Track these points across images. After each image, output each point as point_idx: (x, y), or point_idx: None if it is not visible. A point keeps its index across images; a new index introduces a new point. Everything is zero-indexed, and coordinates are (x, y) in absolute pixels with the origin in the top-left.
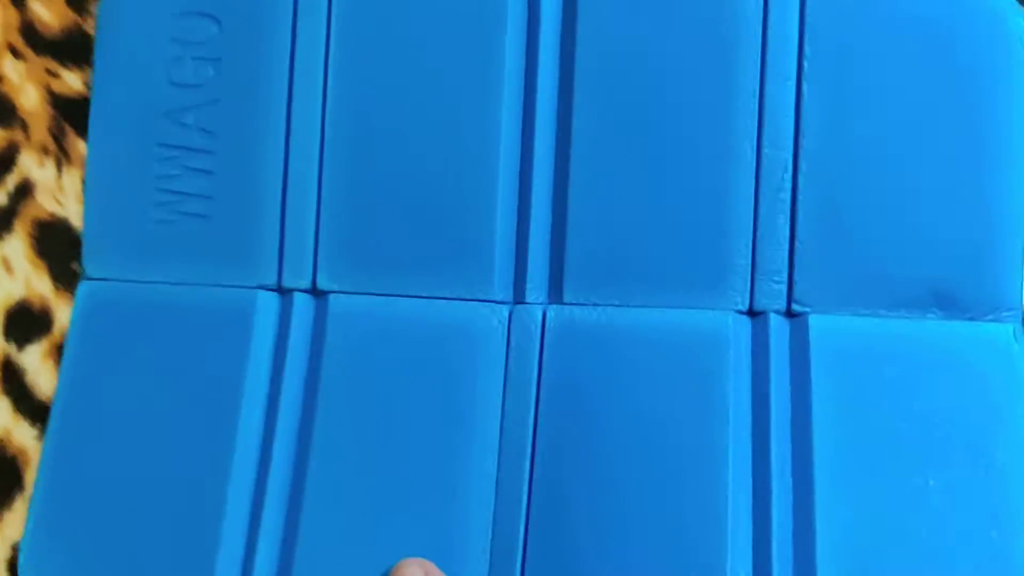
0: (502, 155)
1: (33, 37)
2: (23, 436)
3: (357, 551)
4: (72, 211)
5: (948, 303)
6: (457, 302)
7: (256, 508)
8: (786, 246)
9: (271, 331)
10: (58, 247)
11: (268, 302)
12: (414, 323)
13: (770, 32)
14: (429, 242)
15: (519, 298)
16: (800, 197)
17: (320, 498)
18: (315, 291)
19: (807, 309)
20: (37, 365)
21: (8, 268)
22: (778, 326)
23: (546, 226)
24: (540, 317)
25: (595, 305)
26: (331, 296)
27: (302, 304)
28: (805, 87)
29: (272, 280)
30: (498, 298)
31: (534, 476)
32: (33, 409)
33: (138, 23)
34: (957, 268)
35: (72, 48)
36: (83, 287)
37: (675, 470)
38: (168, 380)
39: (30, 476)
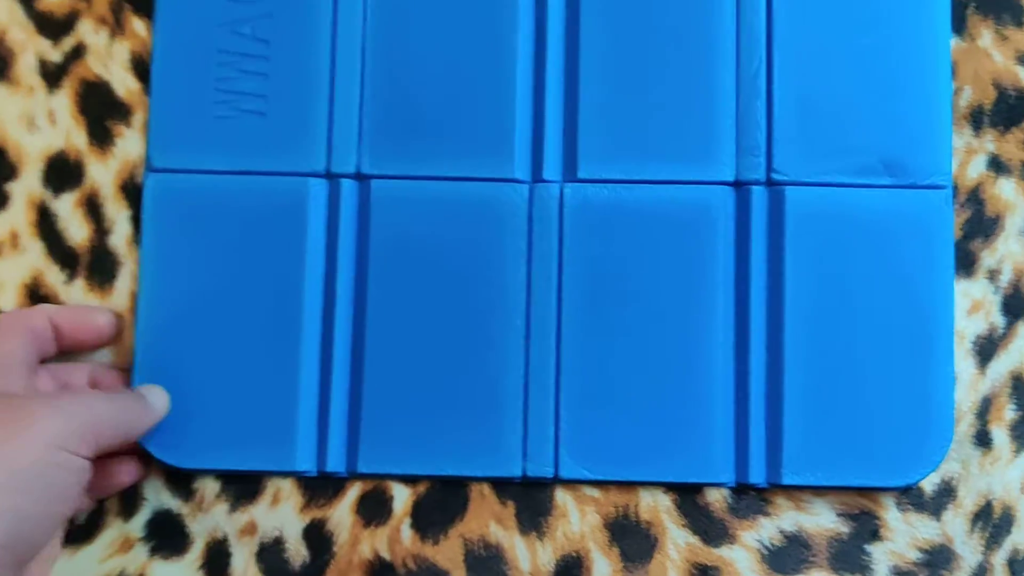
0: (519, 53)
1: None
2: (54, 279)
3: (410, 398)
4: (116, 77)
5: (895, 170)
6: (483, 183)
7: (325, 365)
8: (764, 126)
9: (322, 213)
10: (98, 107)
11: (319, 188)
12: (446, 202)
13: None
14: (457, 130)
15: (538, 177)
16: (775, 85)
17: (377, 354)
18: (359, 176)
19: (784, 178)
20: (68, 213)
21: (52, 120)
22: (759, 195)
23: (559, 112)
24: (558, 193)
25: (605, 182)
26: (373, 181)
27: (348, 189)
28: None
29: (322, 167)
30: (519, 177)
31: (561, 328)
32: (63, 255)
33: None
34: (900, 141)
35: None
36: (150, 178)
37: (676, 321)
38: (236, 257)
39: None
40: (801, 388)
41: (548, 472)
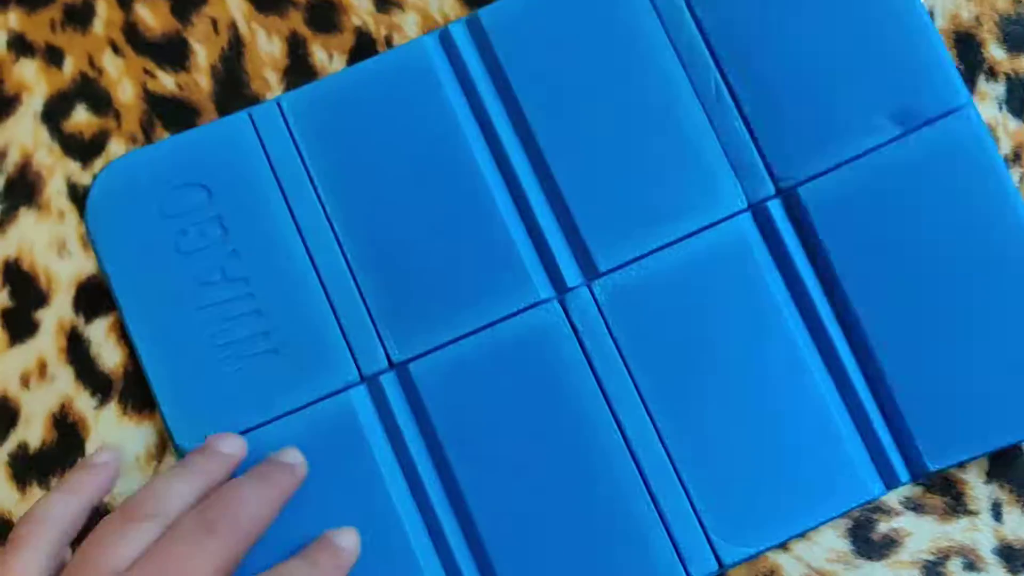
0: (487, 179)
1: (135, 37)
2: (83, 406)
3: (542, 552)
4: None
5: (904, 117)
6: (514, 318)
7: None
8: (749, 140)
9: (374, 418)
10: None
11: (360, 396)
12: (489, 353)
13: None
14: (463, 281)
15: (562, 289)
16: (739, 95)
17: (491, 524)
18: (392, 366)
19: (792, 181)
20: (101, 339)
21: (86, 244)
22: (776, 209)
23: (551, 218)
24: (588, 295)
25: (627, 264)
26: (410, 365)
27: (389, 383)
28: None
29: (354, 375)
30: (544, 297)
31: (654, 420)
32: (96, 382)
33: (129, 210)
34: (893, 87)
35: (170, 51)
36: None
37: (756, 362)
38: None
39: (90, 446)
40: (905, 374)
41: (712, 566)
